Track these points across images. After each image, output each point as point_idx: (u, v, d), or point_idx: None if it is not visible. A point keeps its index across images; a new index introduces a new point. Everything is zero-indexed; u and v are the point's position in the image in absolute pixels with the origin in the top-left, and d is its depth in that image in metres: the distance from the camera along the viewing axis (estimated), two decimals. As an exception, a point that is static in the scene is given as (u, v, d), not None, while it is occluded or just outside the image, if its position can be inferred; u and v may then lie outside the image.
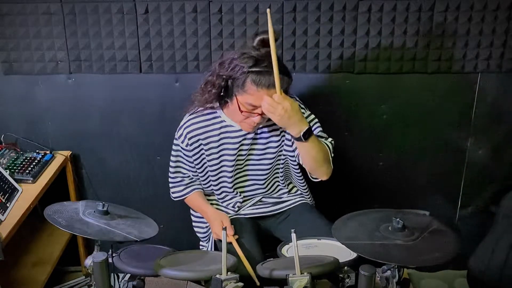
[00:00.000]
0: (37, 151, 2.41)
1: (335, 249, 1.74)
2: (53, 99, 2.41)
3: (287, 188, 2.15)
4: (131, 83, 2.38)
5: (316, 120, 1.99)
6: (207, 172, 2.05)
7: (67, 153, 2.45)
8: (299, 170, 2.06)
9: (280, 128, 1.93)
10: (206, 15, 2.24)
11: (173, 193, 2.14)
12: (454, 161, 2.50)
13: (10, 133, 2.43)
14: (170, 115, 2.43)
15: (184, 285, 2.13)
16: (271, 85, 1.71)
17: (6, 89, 2.40)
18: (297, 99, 2.00)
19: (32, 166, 2.26)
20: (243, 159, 2.01)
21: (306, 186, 2.15)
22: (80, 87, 2.39)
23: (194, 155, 2.00)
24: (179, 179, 2.11)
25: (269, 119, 1.81)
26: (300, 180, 2.10)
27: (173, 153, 2.07)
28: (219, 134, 1.95)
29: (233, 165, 1.99)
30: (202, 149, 1.98)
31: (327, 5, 2.22)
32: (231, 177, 2.02)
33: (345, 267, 1.63)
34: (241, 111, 1.79)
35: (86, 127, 2.46)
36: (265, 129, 1.96)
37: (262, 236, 2.03)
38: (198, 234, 2.22)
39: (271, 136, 1.97)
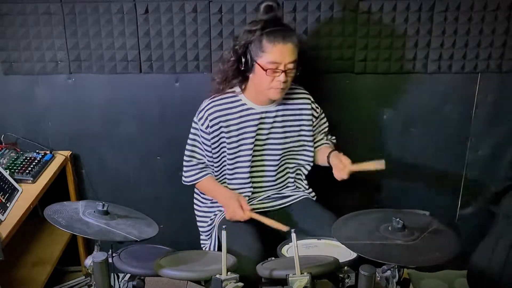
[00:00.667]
0: (37, 151, 2.41)
1: (335, 249, 1.74)
2: (53, 99, 2.41)
3: (293, 185, 2.18)
4: (131, 83, 2.38)
5: (325, 120, 2.19)
6: (223, 157, 2.07)
7: (67, 153, 2.45)
8: (311, 162, 2.16)
9: (298, 115, 2.08)
10: (206, 15, 2.24)
11: (186, 177, 2.14)
12: (454, 161, 2.50)
13: (10, 133, 2.43)
14: (170, 115, 2.43)
15: (184, 285, 2.13)
16: (285, 38, 1.86)
17: (6, 89, 2.40)
18: (309, 95, 2.11)
19: (32, 166, 2.26)
20: (261, 144, 2.06)
21: (306, 181, 2.21)
22: (80, 87, 2.39)
23: (213, 138, 2.02)
24: (194, 162, 2.11)
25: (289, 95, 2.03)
26: (305, 173, 2.19)
27: (190, 136, 2.09)
28: (239, 118, 2.01)
29: (251, 149, 2.04)
30: (222, 131, 2.01)
31: (327, 5, 2.22)
32: (248, 161, 2.05)
33: (345, 267, 1.63)
34: (266, 71, 1.87)
35: (86, 127, 2.46)
36: (281, 114, 2.06)
37: (264, 233, 2.03)
38: (201, 229, 2.22)
39: (288, 120, 2.07)
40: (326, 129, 2.22)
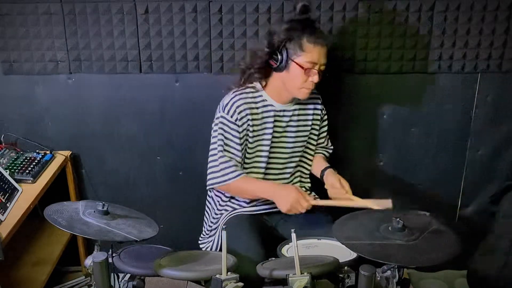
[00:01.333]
0: (37, 151, 2.41)
1: (335, 249, 1.74)
2: (53, 99, 2.41)
3: (299, 184, 2.19)
4: (131, 83, 2.38)
5: (327, 122, 2.20)
6: (244, 152, 2.02)
7: (67, 153, 2.45)
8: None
9: (311, 115, 2.11)
10: (206, 15, 2.24)
11: (218, 177, 1.96)
12: (454, 161, 2.50)
13: (10, 133, 2.43)
14: (170, 115, 2.43)
15: (184, 285, 2.13)
16: (324, 41, 1.91)
17: (6, 89, 2.40)
18: (319, 95, 2.14)
19: (32, 166, 2.26)
20: (276, 141, 2.05)
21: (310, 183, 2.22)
22: (80, 87, 2.39)
23: (242, 131, 1.97)
24: (227, 159, 1.95)
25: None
26: (307, 173, 2.21)
27: (218, 132, 1.97)
28: (261, 113, 2.01)
29: (268, 145, 2.04)
30: (248, 125, 1.98)
31: (327, 5, 2.22)
32: (266, 156, 2.05)
33: (345, 267, 1.63)
34: (305, 70, 1.89)
35: (86, 127, 2.46)
36: (297, 113, 2.07)
37: (265, 233, 2.03)
38: (209, 226, 2.18)
39: (302, 120, 2.10)
40: (326, 133, 2.23)
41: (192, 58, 2.32)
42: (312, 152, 2.19)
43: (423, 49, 2.29)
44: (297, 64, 1.89)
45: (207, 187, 2.03)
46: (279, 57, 1.91)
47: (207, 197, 2.21)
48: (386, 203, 1.84)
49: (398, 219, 1.50)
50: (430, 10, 2.23)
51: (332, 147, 2.28)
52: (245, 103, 1.97)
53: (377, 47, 2.29)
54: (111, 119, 2.44)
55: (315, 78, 1.91)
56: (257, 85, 2.02)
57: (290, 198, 1.87)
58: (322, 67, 1.92)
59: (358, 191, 2.53)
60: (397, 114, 2.42)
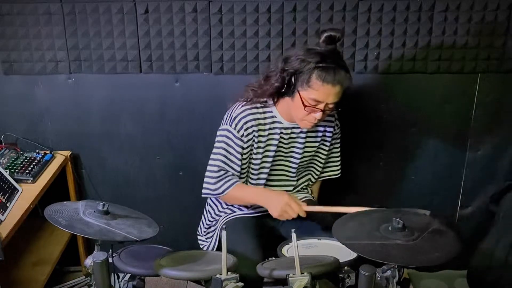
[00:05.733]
0: (37, 151, 2.41)
1: (335, 249, 1.74)
2: (53, 99, 2.41)
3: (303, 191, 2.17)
4: (131, 83, 2.38)
5: (339, 145, 2.18)
6: (247, 167, 2.00)
7: (67, 153, 2.45)
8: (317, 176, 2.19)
9: (321, 131, 2.06)
10: (206, 15, 2.24)
11: (215, 189, 1.95)
12: (454, 161, 2.50)
13: (10, 133, 2.43)
14: (170, 115, 2.43)
15: (184, 285, 2.13)
16: (336, 81, 1.77)
17: (6, 89, 2.40)
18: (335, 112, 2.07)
19: (32, 166, 2.26)
20: (283, 156, 2.03)
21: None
22: (80, 87, 2.39)
23: (247, 147, 1.94)
24: (223, 172, 1.95)
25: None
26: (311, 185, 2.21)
27: (221, 145, 1.94)
28: (269, 129, 1.96)
29: (270, 162, 2.00)
30: (254, 141, 1.94)
31: (327, 5, 2.22)
32: (267, 173, 2.02)
33: (345, 267, 1.64)
34: (305, 106, 1.81)
35: (86, 127, 2.46)
36: (305, 130, 2.01)
37: (265, 235, 2.03)
38: (206, 225, 2.18)
39: (311, 137, 2.04)
40: (338, 155, 2.19)
41: (192, 58, 2.32)
42: (319, 169, 2.15)
43: (423, 49, 2.29)
44: (300, 97, 1.81)
45: (202, 195, 2.01)
46: (287, 82, 1.82)
47: (208, 200, 2.22)
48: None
49: (398, 219, 1.50)
50: (430, 10, 2.23)
51: (339, 171, 2.23)
52: (253, 119, 1.92)
53: (377, 47, 2.29)
54: (111, 119, 2.44)
55: (317, 115, 1.83)
56: (269, 101, 1.95)
57: (281, 202, 1.85)
58: (330, 105, 1.83)
59: (358, 191, 2.55)
60: (397, 114, 2.42)
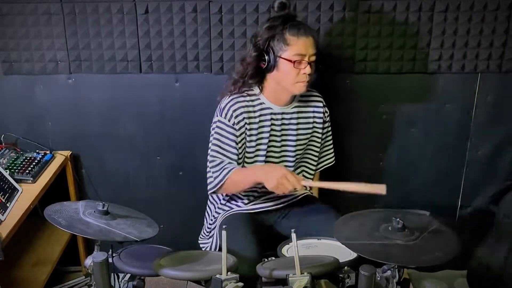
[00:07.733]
0: (37, 151, 2.41)
1: (335, 249, 1.74)
2: (53, 99, 2.41)
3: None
4: (131, 83, 2.38)
5: (330, 131, 2.18)
6: (243, 156, 2.01)
7: (67, 153, 2.45)
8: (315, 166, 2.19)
9: (311, 117, 2.09)
10: (206, 15, 2.24)
11: (216, 177, 1.94)
12: (454, 161, 2.50)
13: (10, 133, 2.43)
14: (170, 115, 2.43)
15: (184, 285, 2.13)
16: (308, 33, 1.89)
17: (6, 89, 2.40)
18: (322, 98, 2.12)
19: (32, 166, 2.26)
20: (278, 145, 2.04)
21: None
22: (80, 87, 2.39)
23: (240, 135, 1.96)
24: (219, 161, 1.95)
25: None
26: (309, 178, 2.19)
27: (216, 137, 1.97)
28: (259, 116, 1.99)
29: (265, 149, 2.02)
30: (245, 128, 1.97)
31: (327, 5, 2.22)
32: (263, 161, 2.03)
33: (345, 267, 1.64)
34: (294, 63, 1.88)
35: (86, 127, 2.46)
36: (296, 116, 2.05)
37: (263, 232, 2.03)
38: (208, 225, 2.18)
39: (303, 123, 2.07)
40: (331, 143, 2.21)
41: (192, 58, 2.32)
42: (316, 154, 2.16)
43: (423, 49, 2.29)
44: (285, 59, 1.88)
45: (208, 192, 2.01)
46: (267, 57, 1.90)
47: (209, 197, 2.22)
48: (379, 188, 1.76)
49: (398, 219, 1.50)
50: (430, 10, 2.23)
51: (332, 159, 2.24)
52: (242, 107, 1.96)
53: (377, 47, 2.29)
54: (111, 119, 2.44)
55: (307, 70, 1.89)
56: (255, 89, 2.01)
57: (278, 174, 1.81)
58: (312, 58, 1.90)
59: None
60: (397, 114, 2.42)
